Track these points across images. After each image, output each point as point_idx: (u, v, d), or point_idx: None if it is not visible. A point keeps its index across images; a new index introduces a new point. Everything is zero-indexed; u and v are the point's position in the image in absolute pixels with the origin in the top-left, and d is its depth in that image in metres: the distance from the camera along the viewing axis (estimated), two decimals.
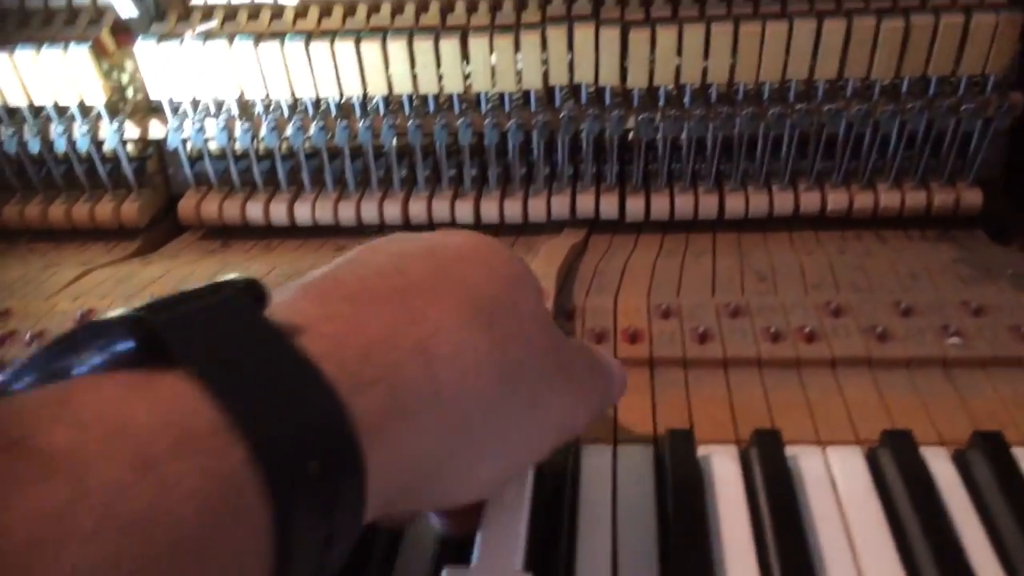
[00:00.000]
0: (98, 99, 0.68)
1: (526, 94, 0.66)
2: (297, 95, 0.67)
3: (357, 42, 0.64)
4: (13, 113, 0.70)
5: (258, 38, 0.65)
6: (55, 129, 0.69)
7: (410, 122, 0.67)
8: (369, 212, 0.70)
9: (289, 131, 0.68)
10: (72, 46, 0.66)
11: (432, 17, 0.67)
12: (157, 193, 0.73)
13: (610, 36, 0.63)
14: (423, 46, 0.64)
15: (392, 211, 0.70)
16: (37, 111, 0.70)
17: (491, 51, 0.63)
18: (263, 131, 0.68)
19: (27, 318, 0.58)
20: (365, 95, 0.66)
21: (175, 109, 0.69)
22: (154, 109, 0.70)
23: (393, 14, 0.67)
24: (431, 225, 0.70)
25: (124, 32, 0.70)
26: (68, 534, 0.17)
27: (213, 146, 0.70)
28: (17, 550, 0.17)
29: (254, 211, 0.71)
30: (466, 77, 0.65)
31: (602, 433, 0.46)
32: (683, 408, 0.48)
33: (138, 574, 0.18)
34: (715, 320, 0.54)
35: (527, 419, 0.31)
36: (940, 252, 0.64)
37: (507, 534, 0.34)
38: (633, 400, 0.48)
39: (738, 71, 0.63)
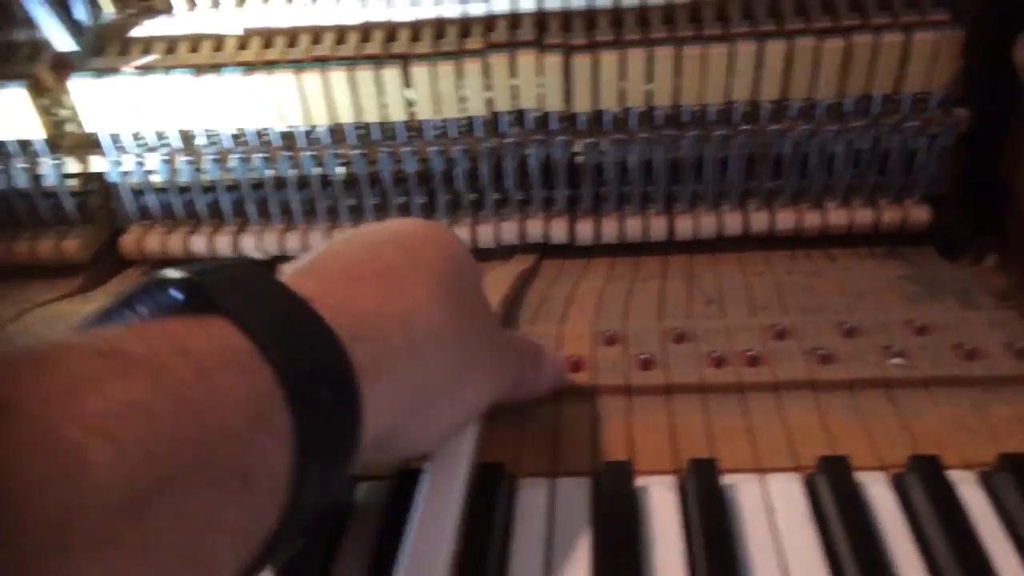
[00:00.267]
0: (37, 135, 0.67)
1: (471, 121, 0.66)
2: (239, 126, 0.66)
3: (298, 72, 0.63)
4: None
5: (198, 70, 0.64)
6: None
7: (355, 151, 0.66)
8: (317, 242, 0.69)
9: (232, 163, 0.67)
10: (8, 85, 0.65)
11: (375, 45, 0.66)
12: (100, 228, 0.72)
13: (553, 62, 0.63)
14: (364, 75, 0.63)
15: None
16: None
17: (434, 78, 0.63)
18: (205, 163, 0.67)
19: None
20: (309, 125, 0.65)
21: (115, 143, 0.68)
22: (96, 143, 0.69)
23: (335, 43, 0.67)
24: None
25: (66, 66, 0.69)
26: (149, 414, 0.23)
27: (156, 179, 0.69)
28: (113, 427, 0.22)
29: (198, 244, 0.69)
30: (410, 104, 0.64)
31: (541, 467, 0.45)
32: (624, 438, 0.47)
33: (195, 454, 0.24)
34: (660, 346, 0.53)
35: (475, 380, 0.39)
36: (888, 269, 0.64)
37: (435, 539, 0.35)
38: (574, 431, 0.48)
39: (682, 94, 0.63)
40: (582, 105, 0.64)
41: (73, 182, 0.70)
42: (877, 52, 0.62)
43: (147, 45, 0.69)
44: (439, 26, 0.67)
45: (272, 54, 0.66)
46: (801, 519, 0.40)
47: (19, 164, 0.68)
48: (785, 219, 0.67)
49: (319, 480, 0.28)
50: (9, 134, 0.67)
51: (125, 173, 0.68)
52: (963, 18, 0.63)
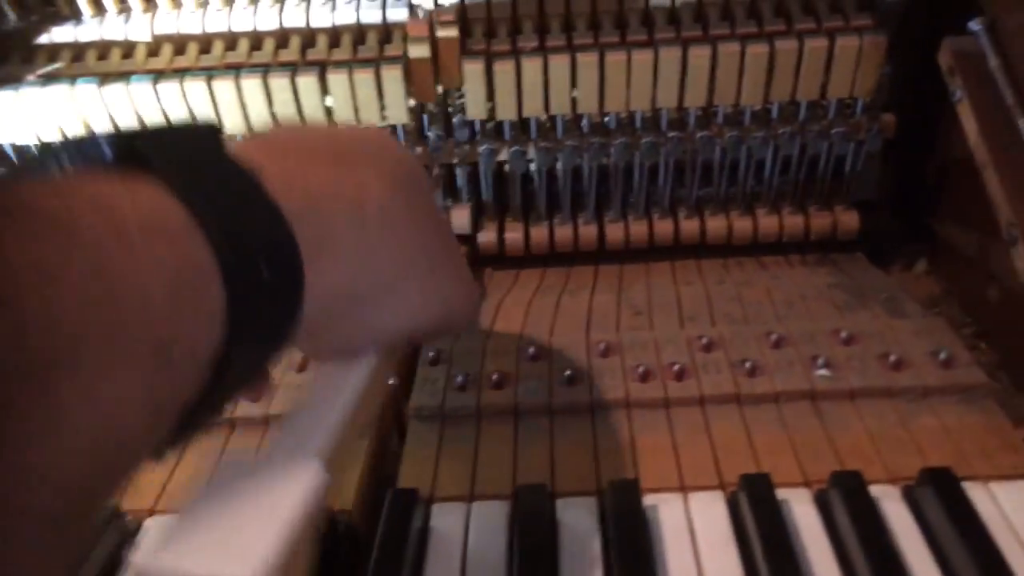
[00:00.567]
0: None
1: (393, 129, 0.64)
2: None
3: (209, 80, 0.61)
4: None
5: (103, 79, 0.61)
6: None
7: None
8: None
9: None
10: None
11: (292, 52, 0.64)
12: None
13: (475, 69, 0.61)
14: (280, 83, 0.61)
15: None
16: None
17: (352, 86, 0.61)
18: None
19: None
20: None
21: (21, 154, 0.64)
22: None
23: (251, 50, 0.64)
24: None
25: None
26: (52, 278, 0.20)
27: None
28: (12, 293, 0.19)
29: None
30: (328, 112, 0.62)
31: (458, 490, 0.44)
32: (546, 458, 0.45)
33: (105, 324, 0.21)
34: (585, 360, 0.52)
35: (425, 285, 0.35)
36: (818, 277, 0.63)
37: (316, 423, 0.32)
38: (494, 451, 0.46)
39: (607, 101, 0.62)
40: (506, 112, 0.63)
41: None
42: (801, 58, 0.61)
43: (53, 53, 0.66)
44: (359, 32, 0.65)
45: (184, 61, 0.64)
46: (722, 539, 0.39)
47: None
48: (715, 227, 0.67)
49: (246, 361, 0.27)
50: None
51: None
52: (888, 23, 0.62)
